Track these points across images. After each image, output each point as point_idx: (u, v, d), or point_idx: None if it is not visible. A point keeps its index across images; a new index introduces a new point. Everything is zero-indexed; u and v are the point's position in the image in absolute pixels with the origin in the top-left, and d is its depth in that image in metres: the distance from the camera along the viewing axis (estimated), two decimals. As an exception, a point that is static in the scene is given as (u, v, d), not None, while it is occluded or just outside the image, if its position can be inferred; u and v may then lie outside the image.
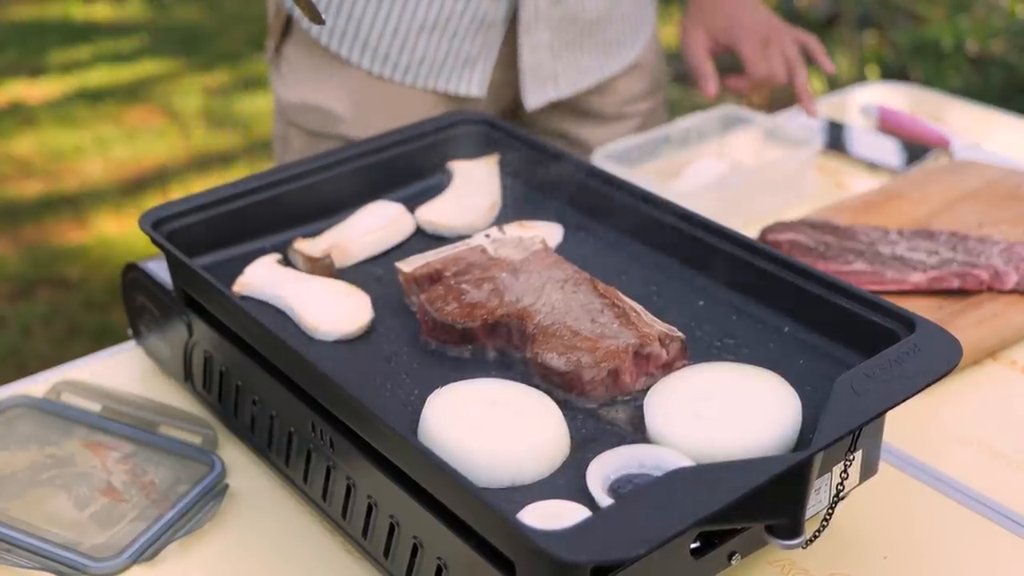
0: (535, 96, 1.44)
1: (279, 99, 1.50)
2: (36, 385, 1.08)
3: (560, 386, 0.88)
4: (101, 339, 2.71)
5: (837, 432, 0.76)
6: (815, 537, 0.83)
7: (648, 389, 0.88)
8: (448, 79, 1.41)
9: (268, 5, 1.51)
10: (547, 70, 1.43)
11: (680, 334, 0.91)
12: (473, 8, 1.35)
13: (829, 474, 0.84)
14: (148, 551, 0.88)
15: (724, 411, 0.83)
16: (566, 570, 0.70)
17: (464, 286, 0.97)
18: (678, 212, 1.04)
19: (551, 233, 1.09)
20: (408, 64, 1.39)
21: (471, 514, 0.75)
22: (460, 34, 1.37)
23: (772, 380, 0.86)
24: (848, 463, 0.84)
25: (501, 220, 1.13)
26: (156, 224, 1.02)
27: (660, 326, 0.91)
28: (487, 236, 1.04)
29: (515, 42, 1.40)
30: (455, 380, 0.89)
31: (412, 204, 1.14)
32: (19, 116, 3.89)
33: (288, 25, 1.45)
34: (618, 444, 0.84)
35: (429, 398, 0.86)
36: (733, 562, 0.81)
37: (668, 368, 0.90)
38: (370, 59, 1.39)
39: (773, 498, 0.76)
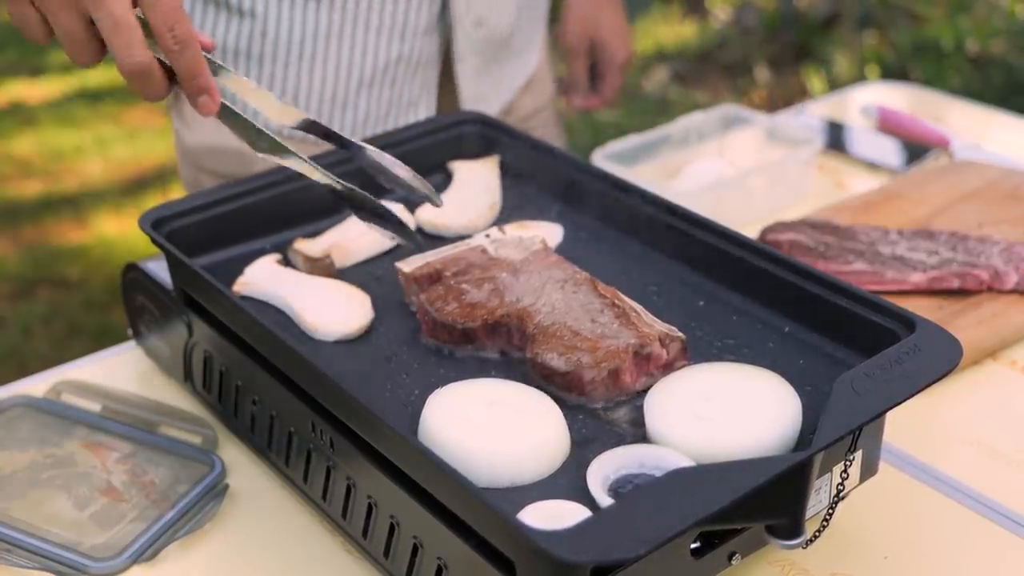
0: None
1: (184, 144, 1.40)
2: (36, 385, 1.08)
3: (561, 386, 0.88)
4: (101, 339, 2.72)
5: (837, 432, 0.76)
6: (815, 537, 0.83)
7: (648, 389, 0.88)
8: (393, 127, 1.35)
9: None
10: (477, 93, 1.40)
11: (680, 334, 0.91)
12: (408, 51, 1.32)
13: (829, 474, 0.84)
14: (148, 551, 0.88)
15: (724, 411, 0.83)
16: (566, 570, 0.70)
17: (464, 286, 0.96)
18: (678, 212, 1.04)
19: (551, 233, 1.09)
20: (352, 125, 1.34)
21: (471, 514, 0.75)
22: (399, 81, 1.33)
23: (772, 380, 0.86)
24: (848, 463, 0.84)
25: (501, 220, 1.13)
26: (156, 224, 1.02)
27: (660, 326, 0.91)
28: (487, 236, 1.04)
29: (449, 74, 1.38)
30: (455, 380, 0.89)
31: (412, 204, 1.14)
32: (19, 116, 3.89)
33: None
34: (618, 444, 0.84)
35: (429, 398, 0.86)
36: (733, 562, 0.81)
37: (668, 368, 0.90)
38: None
39: (773, 498, 0.76)
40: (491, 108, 1.43)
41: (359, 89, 1.32)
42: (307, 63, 1.29)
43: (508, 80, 1.46)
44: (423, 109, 1.37)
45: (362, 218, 0.96)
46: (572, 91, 1.63)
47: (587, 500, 0.78)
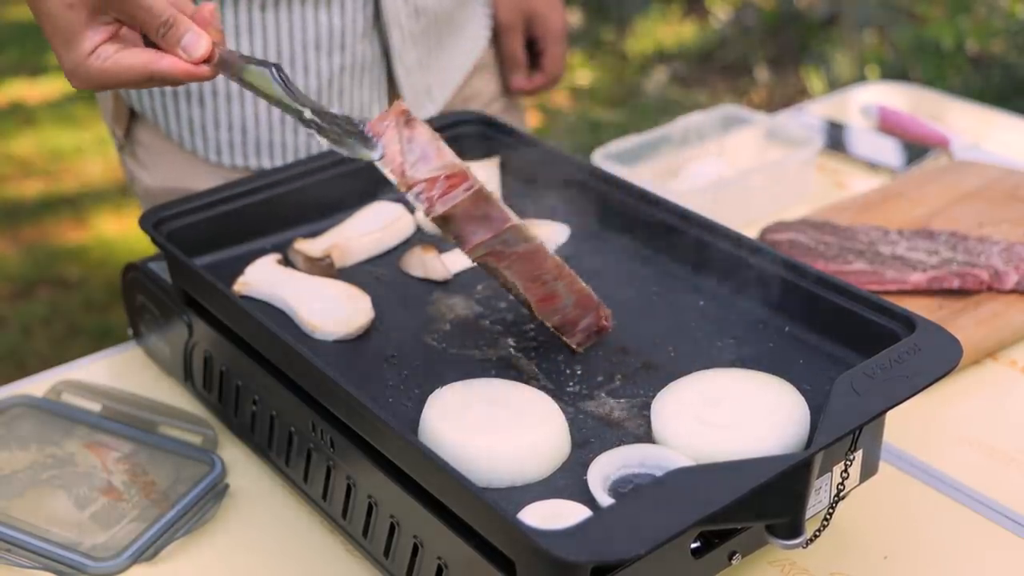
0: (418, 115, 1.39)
1: (140, 185, 1.35)
2: (36, 385, 1.08)
3: None
4: (101, 339, 2.72)
5: (837, 432, 0.76)
6: (815, 537, 0.83)
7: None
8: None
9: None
10: (421, 86, 1.38)
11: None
12: (351, 59, 1.29)
13: (829, 474, 0.84)
14: (148, 551, 0.88)
15: (732, 418, 0.83)
16: (566, 570, 0.70)
17: None
18: (678, 212, 1.04)
19: (556, 233, 1.09)
20: (307, 140, 1.31)
21: (472, 514, 0.75)
22: (347, 90, 1.30)
23: (781, 387, 0.86)
24: (848, 463, 0.84)
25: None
26: (156, 224, 1.02)
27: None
28: None
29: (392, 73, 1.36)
30: (455, 380, 0.89)
31: (412, 205, 1.13)
32: (19, 116, 3.89)
33: (135, 111, 1.32)
34: (619, 444, 0.84)
35: (429, 398, 0.86)
36: (733, 562, 0.81)
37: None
38: (268, 156, 1.30)
39: (774, 498, 0.76)
40: (435, 102, 1.40)
41: None
42: (249, 93, 1.26)
43: (456, 67, 1.43)
44: (376, 110, 1.34)
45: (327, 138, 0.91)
46: (512, 71, 1.53)
47: (587, 500, 0.78)
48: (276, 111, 1.27)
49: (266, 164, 1.30)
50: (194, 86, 1.26)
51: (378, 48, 1.32)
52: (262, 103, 1.27)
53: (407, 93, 1.36)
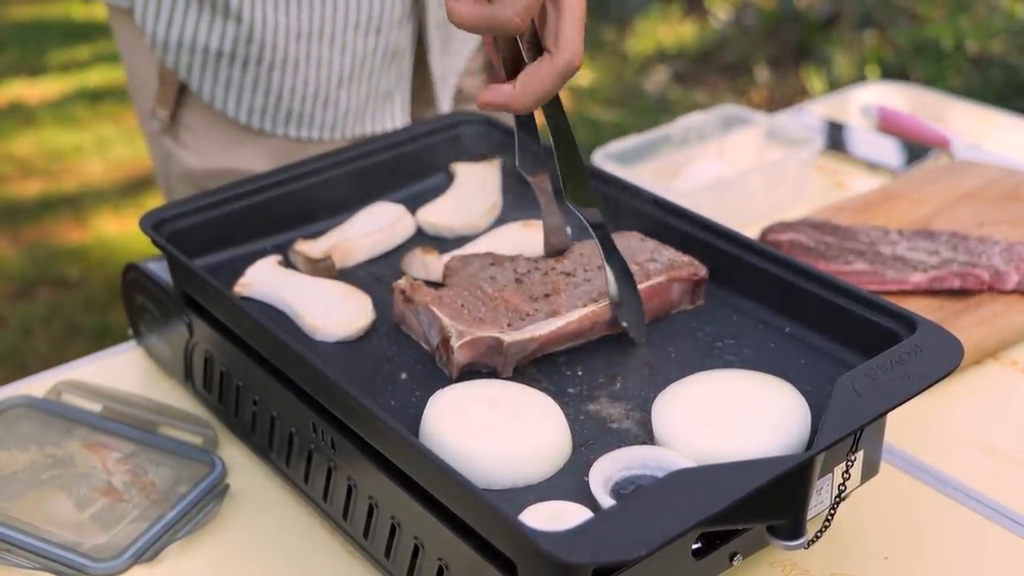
0: (445, 102, 1.42)
1: (182, 166, 1.38)
2: (36, 385, 1.08)
3: None
4: (101, 339, 2.72)
5: (838, 433, 0.76)
6: (817, 538, 0.83)
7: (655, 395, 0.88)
8: (372, 121, 1.37)
9: (132, 72, 1.38)
10: (439, 73, 1.41)
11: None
12: (384, 43, 1.32)
13: (831, 475, 0.84)
14: (148, 551, 0.88)
15: (733, 419, 0.83)
16: (567, 571, 0.70)
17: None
18: (678, 212, 1.04)
19: (552, 233, 1.09)
20: (333, 120, 1.35)
21: (472, 515, 0.75)
22: (376, 73, 1.34)
23: (782, 388, 0.86)
24: (850, 464, 0.84)
25: (504, 221, 1.13)
26: (157, 225, 1.02)
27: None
28: None
29: (418, 62, 1.38)
30: (456, 381, 0.89)
31: (413, 205, 1.14)
32: (19, 116, 3.89)
33: (183, 91, 1.35)
34: (620, 445, 0.84)
35: (430, 399, 0.86)
36: (735, 563, 0.81)
37: None
38: (296, 127, 1.34)
39: (775, 499, 0.76)
40: (450, 84, 1.43)
41: (339, 85, 1.33)
42: (291, 64, 1.30)
43: (462, 54, 1.45)
44: (398, 99, 1.38)
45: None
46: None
47: (589, 501, 0.78)
48: (311, 86, 1.31)
49: (292, 134, 1.34)
50: (241, 50, 1.29)
51: (408, 38, 1.34)
52: (300, 77, 1.31)
53: (437, 80, 1.38)
